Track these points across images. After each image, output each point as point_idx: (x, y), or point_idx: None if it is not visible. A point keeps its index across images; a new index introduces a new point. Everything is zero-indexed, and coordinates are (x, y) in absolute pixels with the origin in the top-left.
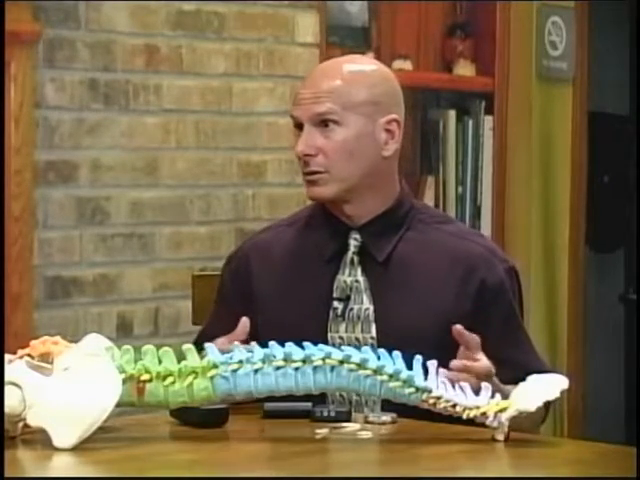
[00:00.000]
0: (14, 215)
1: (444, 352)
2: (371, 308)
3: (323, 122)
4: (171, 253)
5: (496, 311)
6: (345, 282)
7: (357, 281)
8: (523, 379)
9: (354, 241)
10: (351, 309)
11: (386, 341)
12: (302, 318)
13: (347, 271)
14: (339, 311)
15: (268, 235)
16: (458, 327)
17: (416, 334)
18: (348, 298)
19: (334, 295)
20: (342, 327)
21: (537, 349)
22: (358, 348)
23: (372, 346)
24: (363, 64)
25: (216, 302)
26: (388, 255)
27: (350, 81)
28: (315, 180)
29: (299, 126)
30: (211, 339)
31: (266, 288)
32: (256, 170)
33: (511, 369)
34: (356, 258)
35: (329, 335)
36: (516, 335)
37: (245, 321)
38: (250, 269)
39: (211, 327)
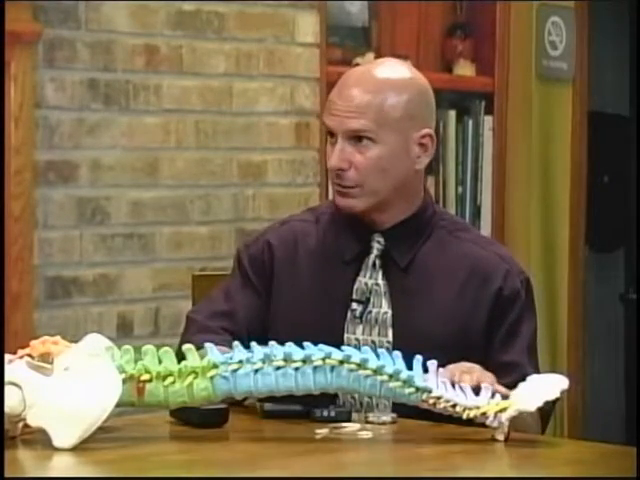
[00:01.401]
0: (14, 215)
1: (458, 359)
2: (389, 312)
3: (357, 137)
4: (171, 253)
5: (507, 317)
6: (366, 284)
7: (377, 284)
8: (514, 381)
9: (377, 245)
10: (369, 312)
11: (402, 346)
12: (319, 317)
13: (368, 274)
14: (357, 313)
15: (291, 226)
16: None
17: (432, 340)
18: (368, 301)
19: (353, 297)
20: (359, 329)
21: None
22: (373, 350)
23: (387, 350)
24: (399, 73)
25: (234, 277)
26: (410, 261)
27: (386, 95)
28: (346, 192)
29: (332, 133)
30: (224, 310)
31: (288, 278)
32: (256, 170)
33: (512, 373)
34: (378, 262)
35: (345, 336)
36: (519, 343)
37: None
38: (273, 256)
39: (232, 293)
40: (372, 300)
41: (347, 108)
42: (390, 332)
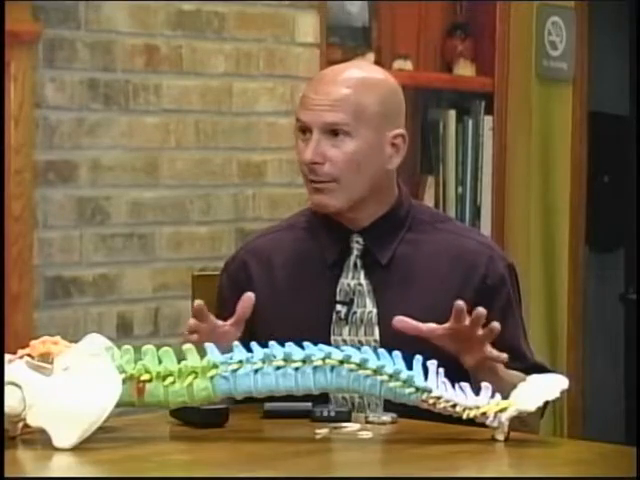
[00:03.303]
0: (14, 215)
1: (447, 353)
2: (374, 311)
3: (333, 131)
4: (171, 253)
5: (495, 304)
6: (349, 285)
7: (360, 284)
8: (519, 368)
9: (357, 245)
10: (354, 312)
11: (389, 344)
12: (304, 322)
13: (350, 275)
14: (342, 314)
15: (265, 240)
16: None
17: (418, 336)
18: (352, 302)
19: (337, 298)
20: (345, 330)
21: (533, 347)
22: (373, 350)
23: (375, 349)
24: (372, 73)
25: (216, 307)
26: (391, 257)
27: (362, 91)
28: (321, 188)
29: (303, 130)
30: None
31: (266, 294)
32: (256, 170)
33: (514, 359)
34: (359, 262)
35: (332, 338)
36: (513, 326)
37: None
38: (249, 275)
39: None
40: (356, 300)
41: (324, 102)
42: (376, 331)
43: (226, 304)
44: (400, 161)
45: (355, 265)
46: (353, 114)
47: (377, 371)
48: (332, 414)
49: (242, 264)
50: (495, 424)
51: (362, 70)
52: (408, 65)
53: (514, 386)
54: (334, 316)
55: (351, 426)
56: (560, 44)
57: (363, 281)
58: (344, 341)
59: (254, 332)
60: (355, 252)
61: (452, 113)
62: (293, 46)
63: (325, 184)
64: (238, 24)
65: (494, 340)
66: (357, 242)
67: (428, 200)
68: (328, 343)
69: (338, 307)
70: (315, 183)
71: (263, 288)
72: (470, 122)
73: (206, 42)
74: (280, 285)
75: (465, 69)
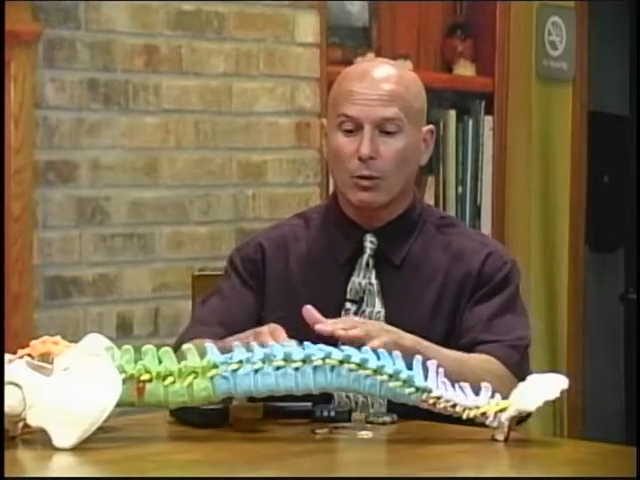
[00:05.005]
0: (14, 215)
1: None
2: (382, 312)
3: (384, 126)
4: (171, 253)
5: (489, 289)
6: (360, 284)
7: (371, 284)
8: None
9: (370, 244)
10: (363, 311)
11: None
12: None
13: (362, 274)
14: (351, 312)
15: (283, 230)
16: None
17: (423, 337)
18: (361, 300)
19: (348, 296)
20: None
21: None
22: (373, 350)
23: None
24: (403, 69)
25: (227, 279)
26: (403, 258)
27: (409, 88)
28: (369, 186)
29: (346, 124)
30: (221, 310)
31: (278, 282)
32: (256, 170)
33: (500, 333)
34: (371, 261)
35: None
36: (510, 321)
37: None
38: (264, 257)
39: (226, 294)
40: (366, 299)
41: (377, 97)
42: None
43: (245, 283)
44: (428, 157)
45: (367, 264)
46: (403, 109)
47: (377, 371)
48: (332, 414)
49: (259, 246)
50: (495, 424)
51: (398, 67)
52: (408, 65)
53: (454, 360)
54: (343, 314)
55: (351, 426)
56: (560, 44)
57: (374, 281)
58: None
59: (262, 320)
60: (368, 251)
61: (452, 113)
62: (293, 46)
63: (373, 181)
64: (238, 24)
65: (489, 336)
66: (371, 242)
67: (428, 200)
68: (336, 341)
69: (348, 305)
70: (363, 180)
71: (278, 273)
72: (470, 122)
73: (206, 42)
74: (293, 276)
75: (465, 69)
